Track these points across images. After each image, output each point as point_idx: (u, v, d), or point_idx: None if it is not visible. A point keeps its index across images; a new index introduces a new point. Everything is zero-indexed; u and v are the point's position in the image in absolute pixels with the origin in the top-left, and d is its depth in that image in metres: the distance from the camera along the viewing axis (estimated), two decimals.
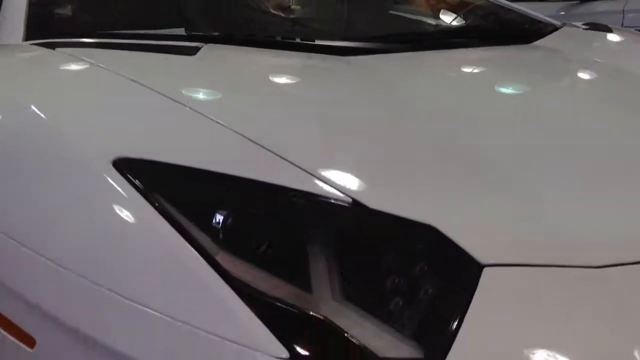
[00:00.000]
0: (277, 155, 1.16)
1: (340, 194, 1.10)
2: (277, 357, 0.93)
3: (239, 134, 1.21)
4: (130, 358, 1.03)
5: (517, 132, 1.47)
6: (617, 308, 1.01)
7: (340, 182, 1.12)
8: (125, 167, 1.13)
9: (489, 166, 1.26)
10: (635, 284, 1.05)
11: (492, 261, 1.04)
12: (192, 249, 1.04)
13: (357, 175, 1.17)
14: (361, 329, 0.98)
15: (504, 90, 1.76)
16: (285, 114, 1.37)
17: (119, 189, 1.12)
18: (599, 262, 1.07)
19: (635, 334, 0.98)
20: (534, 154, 1.35)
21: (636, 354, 0.96)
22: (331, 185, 1.11)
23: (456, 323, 0.96)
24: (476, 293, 1.00)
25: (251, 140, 1.19)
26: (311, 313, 0.98)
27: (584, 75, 2.02)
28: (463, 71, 1.90)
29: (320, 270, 1.06)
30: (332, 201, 1.10)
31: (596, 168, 1.33)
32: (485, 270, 1.03)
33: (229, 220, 1.09)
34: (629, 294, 1.03)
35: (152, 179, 1.12)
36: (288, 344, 0.94)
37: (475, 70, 1.92)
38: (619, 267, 1.07)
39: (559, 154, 1.38)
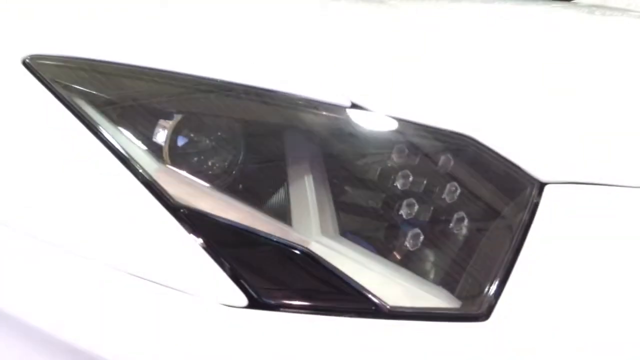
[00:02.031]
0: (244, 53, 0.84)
1: (335, 97, 0.78)
2: (229, 306, 0.61)
3: (196, 31, 0.90)
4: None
5: (564, 54, 1.16)
6: None
7: (335, 83, 0.80)
8: (40, 66, 0.83)
9: (533, 81, 0.94)
10: None
11: (555, 178, 0.71)
12: (123, 165, 0.73)
13: (359, 78, 0.85)
14: (361, 270, 0.66)
15: (544, 21, 1.44)
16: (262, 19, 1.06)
17: (32, 92, 0.81)
18: None
19: None
20: (589, 76, 1.03)
21: None
22: (321, 88, 0.79)
23: (507, 260, 0.64)
24: (535, 220, 0.67)
25: (209, 38, 0.87)
26: (285, 245, 0.65)
27: (617, 18, 1.75)
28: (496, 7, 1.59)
29: (304, 196, 0.74)
30: (323, 104, 0.78)
31: None
32: (548, 188, 0.70)
33: (176, 130, 0.77)
34: None
35: (74, 79, 0.82)
36: (248, 289, 0.62)
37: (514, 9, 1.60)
38: None
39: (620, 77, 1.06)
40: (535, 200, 0.69)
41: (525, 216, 0.67)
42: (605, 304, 0.62)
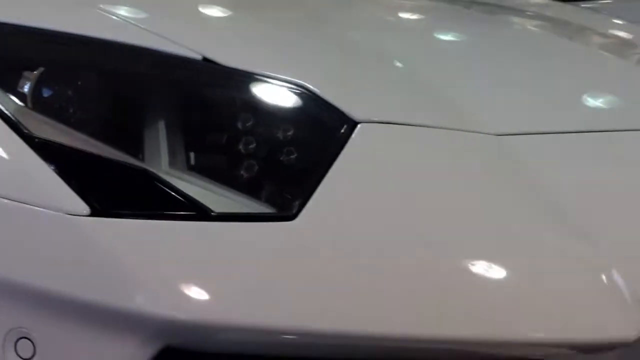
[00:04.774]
0: (106, 12, 0.94)
1: (186, 51, 0.89)
2: (74, 215, 0.71)
3: None
4: None
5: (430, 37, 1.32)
6: (514, 171, 0.84)
7: (188, 40, 0.91)
8: None
9: (376, 48, 1.09)
10: (534, 151, 0.88)
11: (368, 118, 0.85)
12: None
13: (210, 35, 0.97)
14: (195, 189, 0.77)
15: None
16: None
17: None
18: (498, 130, 0.89)
19: (529, 195, 0.81)
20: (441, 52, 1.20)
21: (528, 211, 0.80)
22: (175, 42, 0.90)
23: (317, 180, 0.76)
24: (345, 149, 0.80)
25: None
26: (128, 166, 0.76)
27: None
28: None
29: (156, 137, 0.83)
30: (178, 58, 0.88)
31: (503, 57, 1.20)
32: (360, 126, 0.83)
33: (39, 80, 0.86)
34: (526, 159, 0.86)
35: None
36: (91, 200, 0.72)
37: None
38: (518, 136, 0.90)
39: (469, 51, 1.23)
40: (348, 136, 0.82)
41: (338, 147, 0.80)
42: (395, 220, 0.75)
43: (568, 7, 2.22)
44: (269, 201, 0.77)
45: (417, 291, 0.72)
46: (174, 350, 0.70)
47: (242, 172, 0.82)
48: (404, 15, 1.41)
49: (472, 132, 0.88)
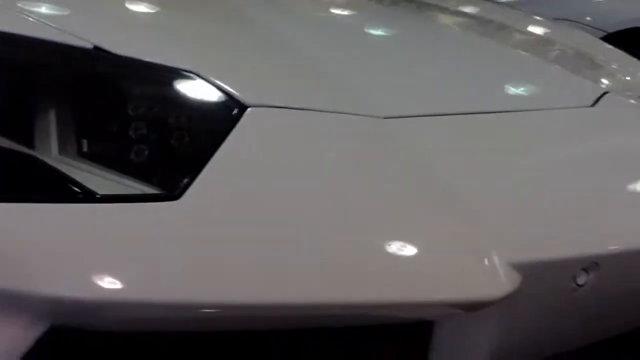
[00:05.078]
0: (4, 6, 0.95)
1: (78, 40, 0.90)
2: None
3: None
4: None
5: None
6: (399, 152, 0.89)
7: (81, 30, 0.92)
8: None
9: (271, 35, 1.13)
10: (419, 133, 0.93)
11: (258, 102, 0.88)
12: None
13: (106, 26, 0.98)
14: (83, 175, 0.78)
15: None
16: None
17: None
18: (386, 113, 0.94)
19: (413, 174, 0.86)
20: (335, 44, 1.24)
21: (414, 189, 0.84)
22: (67, 32, 0.91)
23: (203, 163, 0.78)
24: (233, 132, 0.82)
25: None
26: (10, 149, 0.76)
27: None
28: None
29: (47, 124, 0.84)
30: (69, 47, 0.89)
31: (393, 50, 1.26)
32: (250, 110, 0.86)
33: None
34: (412, 140, 0.91)
35: None
36: None
37: None
38: (405, 119, 0.95)
39: (363, 44, 1.27)
40: (237, 119, 0.84)
41: (226, 130, 0.82)
42: (279, 200, 0.78)
43: (488, 4, 2.31)
44: (156, 183, 0.79)
45: (305, 262, 0.75)
46: (60, 331, 0.72)
47: (132, 156, 0.83)
48: (323, 9, 1.45)
49: (360, 115, 0.92)
